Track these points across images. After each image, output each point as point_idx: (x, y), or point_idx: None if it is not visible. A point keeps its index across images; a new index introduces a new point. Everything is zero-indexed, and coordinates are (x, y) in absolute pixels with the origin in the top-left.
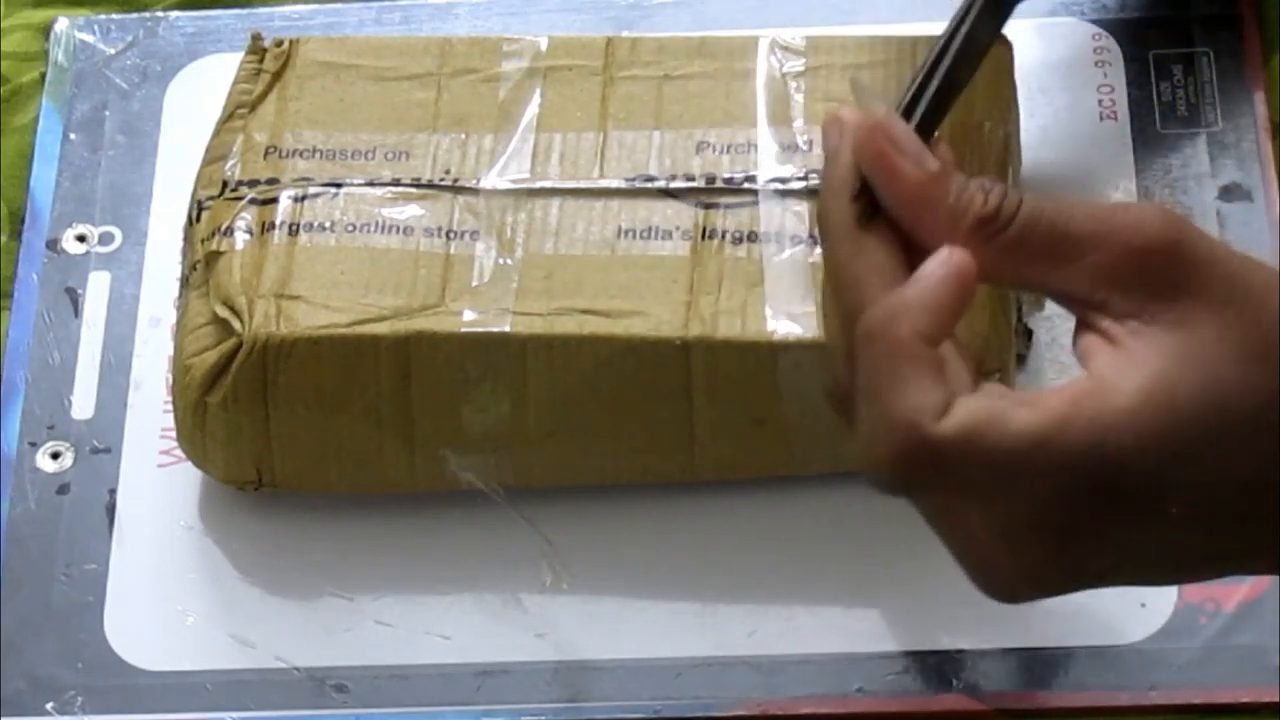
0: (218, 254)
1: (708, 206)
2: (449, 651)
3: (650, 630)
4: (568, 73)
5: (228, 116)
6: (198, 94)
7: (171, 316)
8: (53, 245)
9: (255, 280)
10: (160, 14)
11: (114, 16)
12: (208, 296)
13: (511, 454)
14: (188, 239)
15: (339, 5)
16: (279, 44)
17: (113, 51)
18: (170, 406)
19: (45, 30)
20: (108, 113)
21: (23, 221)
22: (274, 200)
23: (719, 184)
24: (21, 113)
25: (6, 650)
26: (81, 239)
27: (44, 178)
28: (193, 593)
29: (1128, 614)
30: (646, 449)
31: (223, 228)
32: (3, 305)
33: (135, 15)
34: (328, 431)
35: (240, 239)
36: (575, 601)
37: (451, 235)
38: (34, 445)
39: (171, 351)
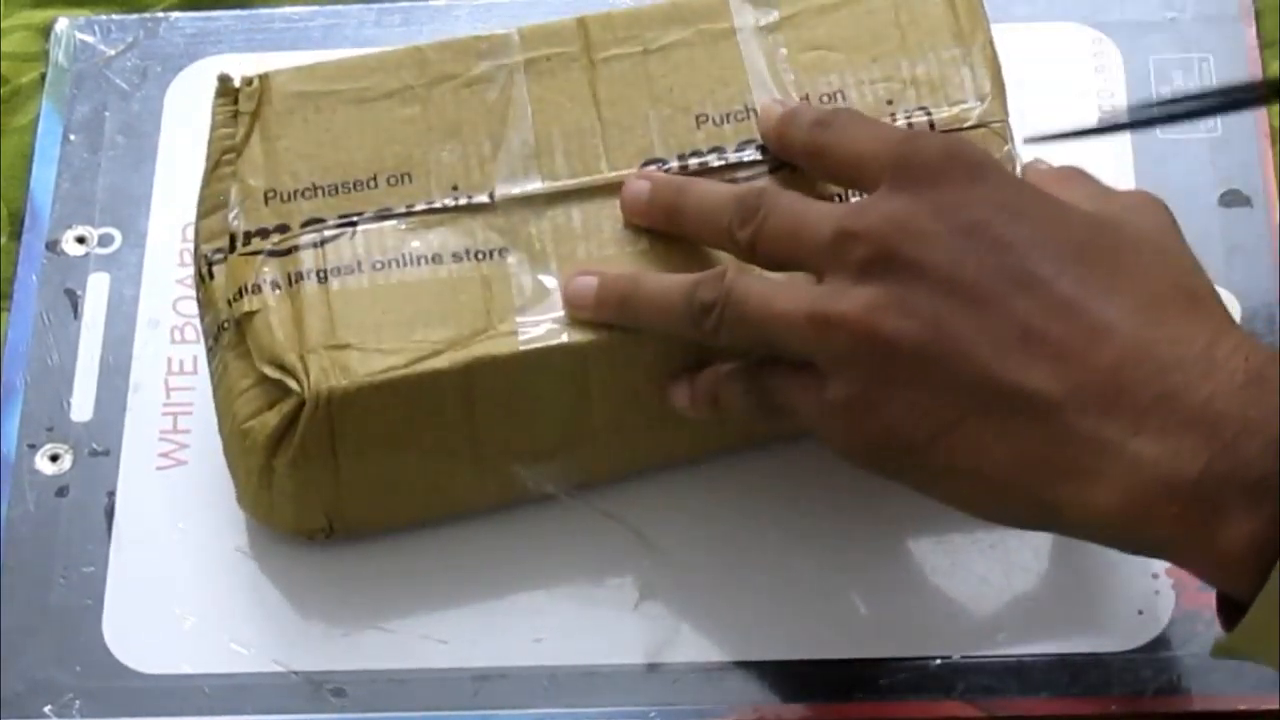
0: (250, 314)
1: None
2: (446, 656)
3: (647, 635)
4: (547, 63)
5: (214, 165)
6: (198, 95)
7: (170, 318)
8: (52, 246)
9: (299, 334)
10: (160, 14)
11: (114, 17)
12: (246, 358)
13: (579, 455)
14: (202, 298)
15: (339, 6)
16: (249, 82)
17: (113, 52)
18: (169, 410)
19: (45, 31)
20: (107, 114)
21: (22, 222)
22: (293, 250)
23: (730, 158)
24: (21, 113)
25: (5, 653)
26: (81, 240)
27: (44, 179)
28: (191, 596)
29: (1125, 621)
30: (707, 427)
31: (248, 286)
32: (2, 306)
33: (135, 16)
34: (398, 470)
35: (270, 295)
36: (572, 606)
37: (480, 256)
38: (33, 447)
39: (168, 355)
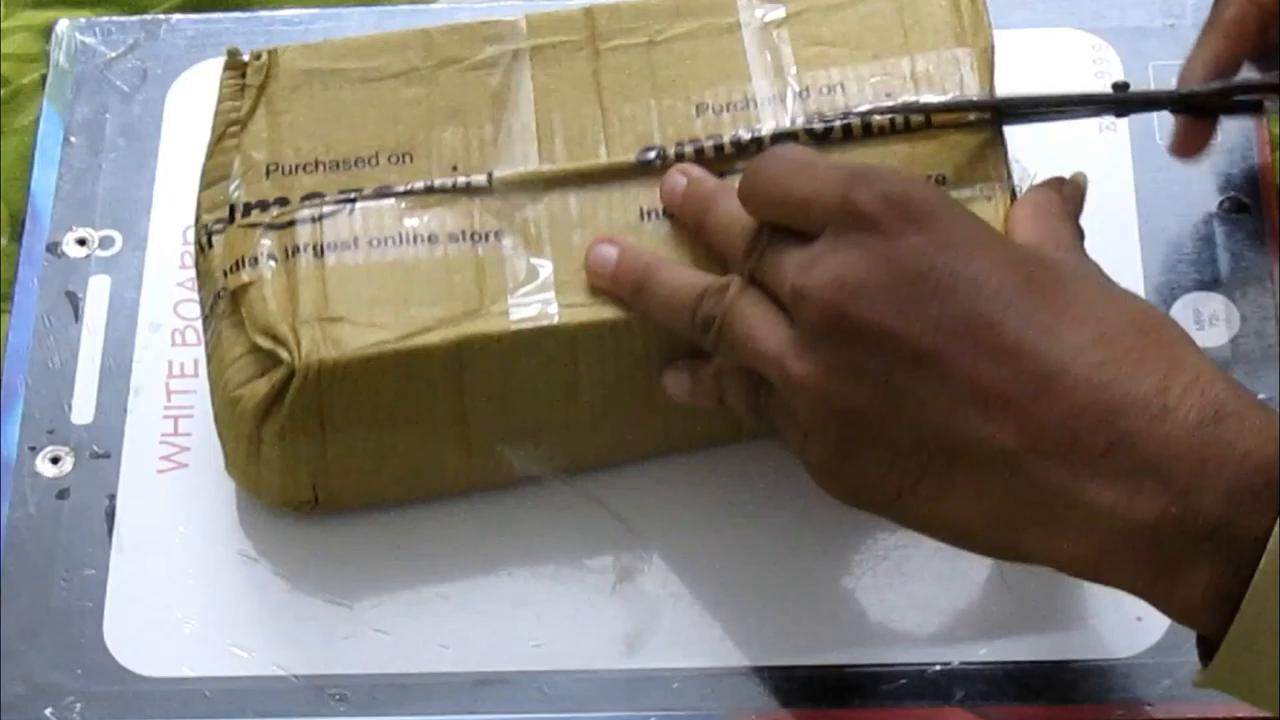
0: (246, 285)
1: (720, 175)
2: (447, 660)
3: (647, 641)
4: (553, 50)
5: (219, 137)
6: (198, 97)
7: (171, 321)
8: (53, 249)
9: (292, 306)
10: (161, 17)
11: (115, 19)
12: (240, 327)
13: (566, 440)
14: (201, 268)
15: (340, 9)
16: (257, 56)
17: (113, 54)
18: (169, 413)
19: (46, 32)
20: (108, 115)
21: (23, 224)
22: (291, 224)
23: (726, 148)
24: (22, 114)
25: (6, 655)
26: (82, 242)
27: (44, 180)
28: (192, 599)
29: (1124, 629)
30: (697, 414)
31: (246, 258)
32: (3, 309)
33: (136, 18)
34: (385, 446)
35: (266, 267)
36: (571, 610)
37: (476, 238)
38: (34, 450)
39: (168, 358)
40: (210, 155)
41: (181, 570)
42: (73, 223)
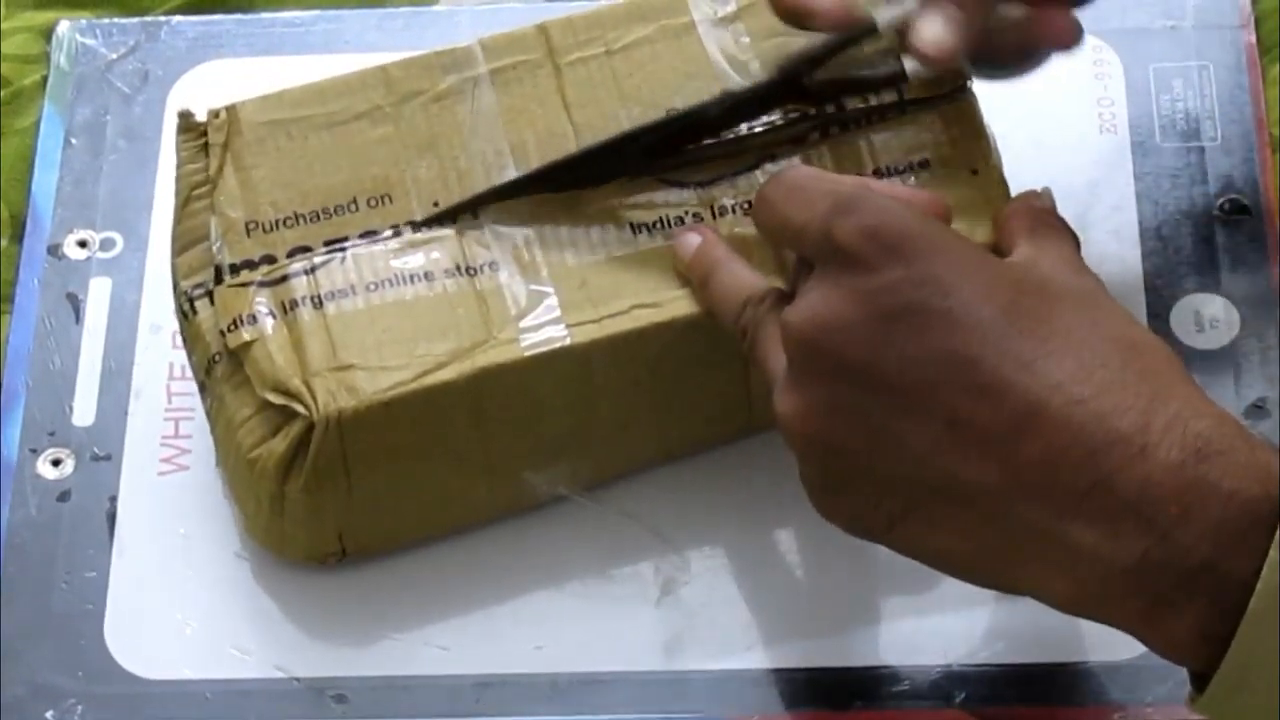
0: (248, 344)
1: (706, 185)
2: (448, 663)
3: (648, 642)
4: (513, 71)
5: (185, 200)
6: (199, 99)
7: (172, 323)
8: (54, 250)
9: (299, 360)
10: (162, 18)
11: (116, 20)
12: (244, 387)
13: (587, 453)
14: (187, 334)
15: (341, 11)
16: (215, 114)
17: (114, 56)
18: (170, 415)
19: (47, 33)
20: (109, 117)
21: (24, 226)
22: (284, 279)
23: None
24: (23, 116)
25: (6, 657)
26: (83, 244)
27: (45, 182)
28: (193, 601)
29: None
30: (710, 417)
31: (243, 316)
32: (3, 310)
33: (137, 19)
34: (409, 485)
35: (267, 324)
36: (575, 611)
37: (472, 271)
38: (35, 452)
39: (169, 360)
40: (179, 220)
41: (182, 572)
42: (74, 224)
